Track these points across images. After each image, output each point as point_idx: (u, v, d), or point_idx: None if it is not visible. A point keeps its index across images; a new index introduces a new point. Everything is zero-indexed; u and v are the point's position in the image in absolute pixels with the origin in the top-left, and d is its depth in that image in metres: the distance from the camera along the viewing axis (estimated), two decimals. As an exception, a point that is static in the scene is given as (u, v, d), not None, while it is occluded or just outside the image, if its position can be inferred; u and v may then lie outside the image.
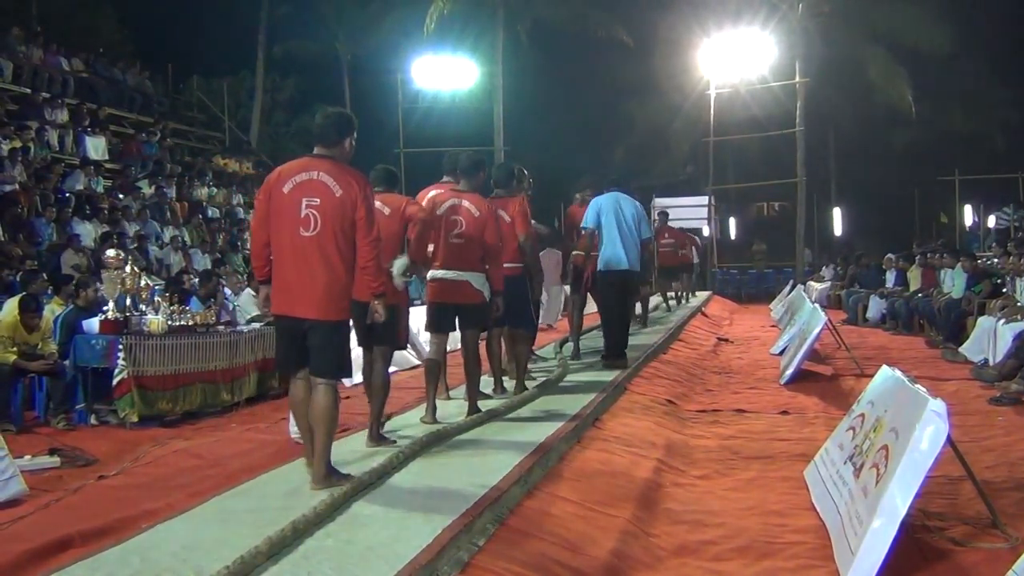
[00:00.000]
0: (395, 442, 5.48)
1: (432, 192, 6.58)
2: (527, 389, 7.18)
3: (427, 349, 6.74)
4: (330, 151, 4.60)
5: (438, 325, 6.23)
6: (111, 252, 8.48)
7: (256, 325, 9.34)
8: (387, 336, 5.39)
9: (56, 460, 6.15)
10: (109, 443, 6.92)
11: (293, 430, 6.29)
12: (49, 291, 8.93)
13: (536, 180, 8.34)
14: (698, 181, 29.46)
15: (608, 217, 8.12)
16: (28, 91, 16.76)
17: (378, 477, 4.56)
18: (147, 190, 16.62)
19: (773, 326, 15.71)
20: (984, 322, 9.95)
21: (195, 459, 6.16)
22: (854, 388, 8.25)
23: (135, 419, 7.44)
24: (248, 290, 10.41)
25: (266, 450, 6.21)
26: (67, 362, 7.74)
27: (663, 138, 30.09)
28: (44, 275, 9.54)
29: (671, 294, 16.95)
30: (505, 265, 6.46)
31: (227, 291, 10.43)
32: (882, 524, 3.49)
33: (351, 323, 4.89)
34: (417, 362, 9.68)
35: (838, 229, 30.94)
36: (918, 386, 4.10)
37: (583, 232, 8.35)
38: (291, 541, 3.61)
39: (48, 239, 12.51)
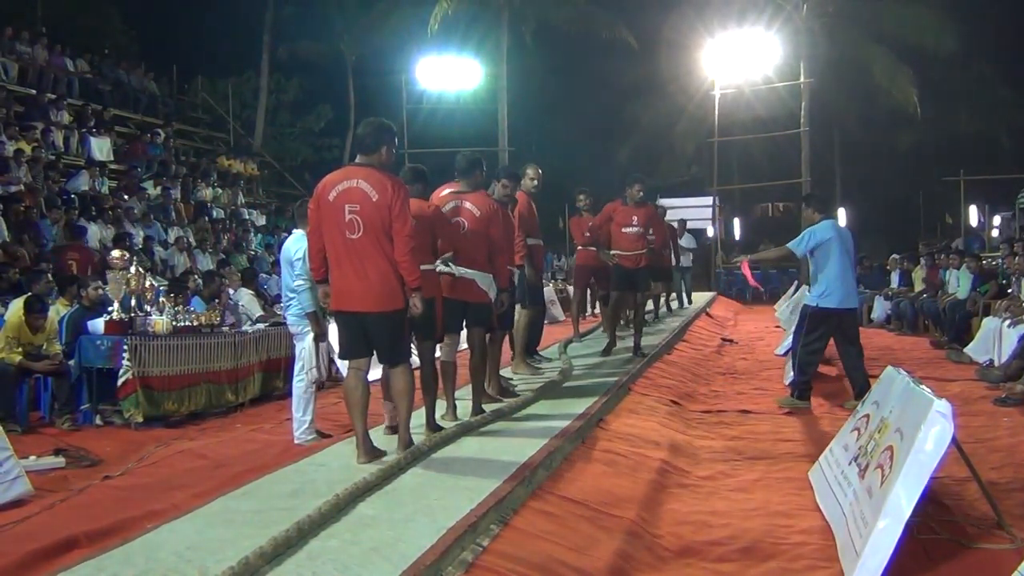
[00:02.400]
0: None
1: (444, 192, 6.56)
2: (507, 390, 7.21)
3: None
4: (369, 159, 4.97)
5: (448, 325, 6.24)
6: (116, 253, 8.51)
7: (260, 326, 9.36)
8: (425, 329, 5.66)
9: (61, 460, 6.16)
10: (114, 443, 6.94)
11: (297, 433, 6.32)
12: (54, 292, 8.95)
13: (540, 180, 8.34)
14: (702, 182, 29.43)
15: (839, 249, 7.47)
16: (33, 92, 16.79)
17: (384, 478, 4.56)
18: (152, 191, 16.65)
19: (778, 327, 15.67)
20: (989, 323, 9.94)
21: (200, 459, 6.17)
22: (859, 389, 8.23)
23: (140, 419, 7.45)
24: (244, 289, 10.41)
25: (271, 450, 6.22)
26: (72, 362, 7.76)
27: (667, 139, 30.09)
28: (48, 276, 9.56)
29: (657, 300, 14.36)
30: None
31: (232, 292, 10.44)
32: (887, 525, 3.49)
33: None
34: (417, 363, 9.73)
35: (843, 230, 30.89)
36: (923, 387, 4.09)
37: (796, 256, 7.84)
38: (295, 542, 3.61)
39: (53, 240, 12.54)
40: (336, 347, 8.64)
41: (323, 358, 6.34)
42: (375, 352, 5.07)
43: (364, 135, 5.01)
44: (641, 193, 9.30)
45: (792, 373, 9.04)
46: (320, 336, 6.29)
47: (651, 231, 9.52)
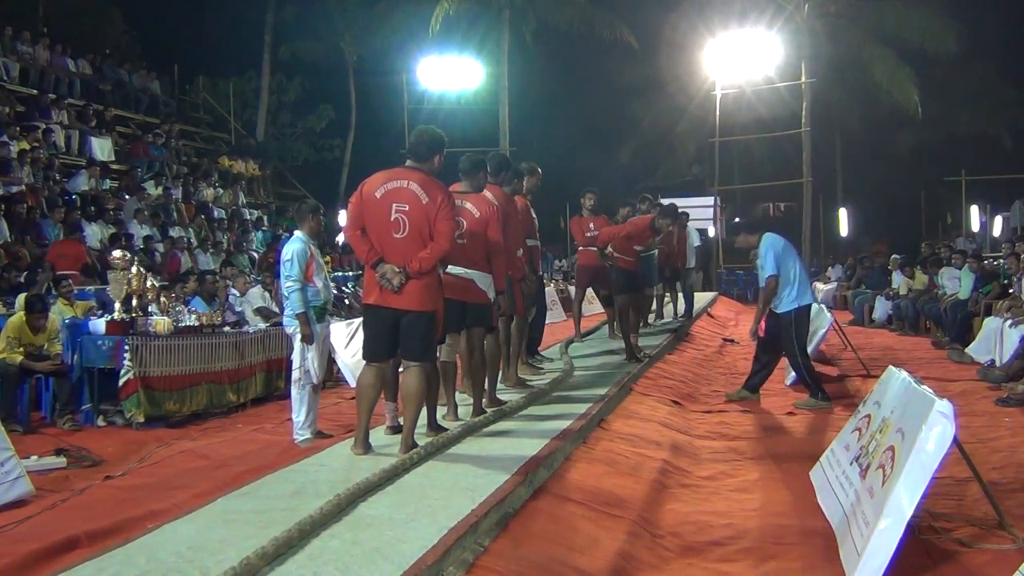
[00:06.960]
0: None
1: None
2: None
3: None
4: (421, 165, 5.15)
5: (448, 325, 6.23)
6: (117, 253, 8.50)
7: (262, 325, 9.35)
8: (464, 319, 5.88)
9: (62, 460, 6.17)
10: (115, 443, 6.94)
11: (297, 433, 6.31)
12: (55, 292, 8.95)
13: (541, 181, 8.33)
14: (704, 182, 29.44)
15: (792, 252, 7.74)
16: (35, 92, 16.81)
17: (385, 479, 4.56)
18: (153, 191, 16.67)
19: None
20: (991, 323, 9.94)
21: (201, 460, 6.17)
22: (860, 389, 8.24)
23: (141, 420, 7.47)
24: (258, 287, 10.43)
25: (272, 451, 6.21)
26: (74, 359, 7.75)
27: (669, 139, 30.12)
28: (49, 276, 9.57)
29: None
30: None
31: (233, 291, 10.44)
32: (888, 525, 3.48)
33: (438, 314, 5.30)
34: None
35: (844, 230, 30.85)
36: (924, 387, 4.08)
37: (769, 280, 7.60)
38: (296, 542, 3.61)
39: (54, 240, 12.55)
40: (336, 347, 8.68)
41: (316, 359, 6.28)
42: (401, 349, 5.17)
43: (419, 144, 5.19)
44: (671, 228, 9.96)
45: (794, 374, 9.06)
46: (307, 338, 6.18)
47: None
